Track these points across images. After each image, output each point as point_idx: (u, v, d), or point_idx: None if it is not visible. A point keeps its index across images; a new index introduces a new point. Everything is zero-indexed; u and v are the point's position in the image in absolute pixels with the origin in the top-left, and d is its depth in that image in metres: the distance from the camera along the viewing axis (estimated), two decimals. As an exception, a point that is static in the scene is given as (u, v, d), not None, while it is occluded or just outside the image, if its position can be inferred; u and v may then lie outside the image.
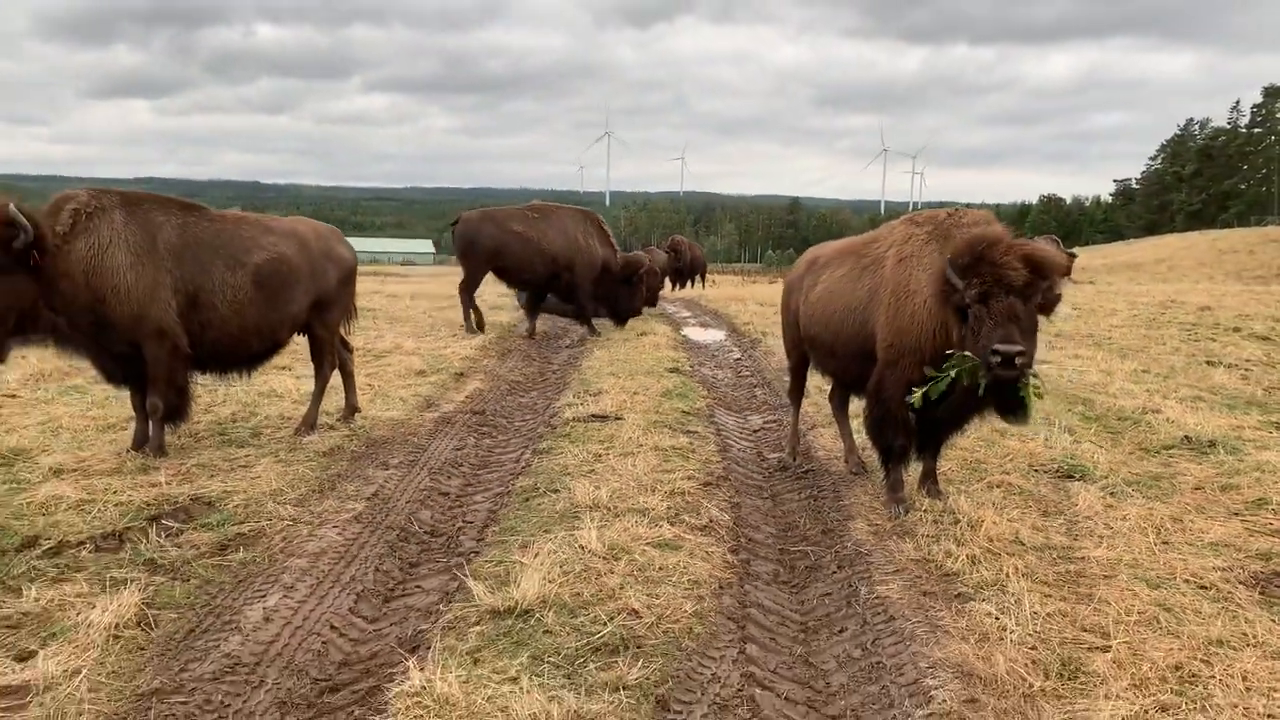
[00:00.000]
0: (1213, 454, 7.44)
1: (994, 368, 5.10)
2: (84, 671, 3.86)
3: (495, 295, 18.48)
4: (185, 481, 6.14)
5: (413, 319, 15.81)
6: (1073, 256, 36.73)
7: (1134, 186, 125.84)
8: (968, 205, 7.21)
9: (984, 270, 5.22)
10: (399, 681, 3.87)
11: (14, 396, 8.45)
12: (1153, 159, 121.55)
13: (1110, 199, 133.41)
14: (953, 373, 5.41)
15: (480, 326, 14.03)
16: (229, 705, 3.78)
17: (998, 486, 6.45)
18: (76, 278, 6.13)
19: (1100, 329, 15.47)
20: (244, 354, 7.13)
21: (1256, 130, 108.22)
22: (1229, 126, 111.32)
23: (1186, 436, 7.94)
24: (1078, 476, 6.77)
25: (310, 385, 8.22)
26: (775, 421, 8.74)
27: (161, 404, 6.56)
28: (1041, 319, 5.66)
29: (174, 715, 3.69)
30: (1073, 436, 7.96)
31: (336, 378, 8.12)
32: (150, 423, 6.66)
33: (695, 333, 15.31)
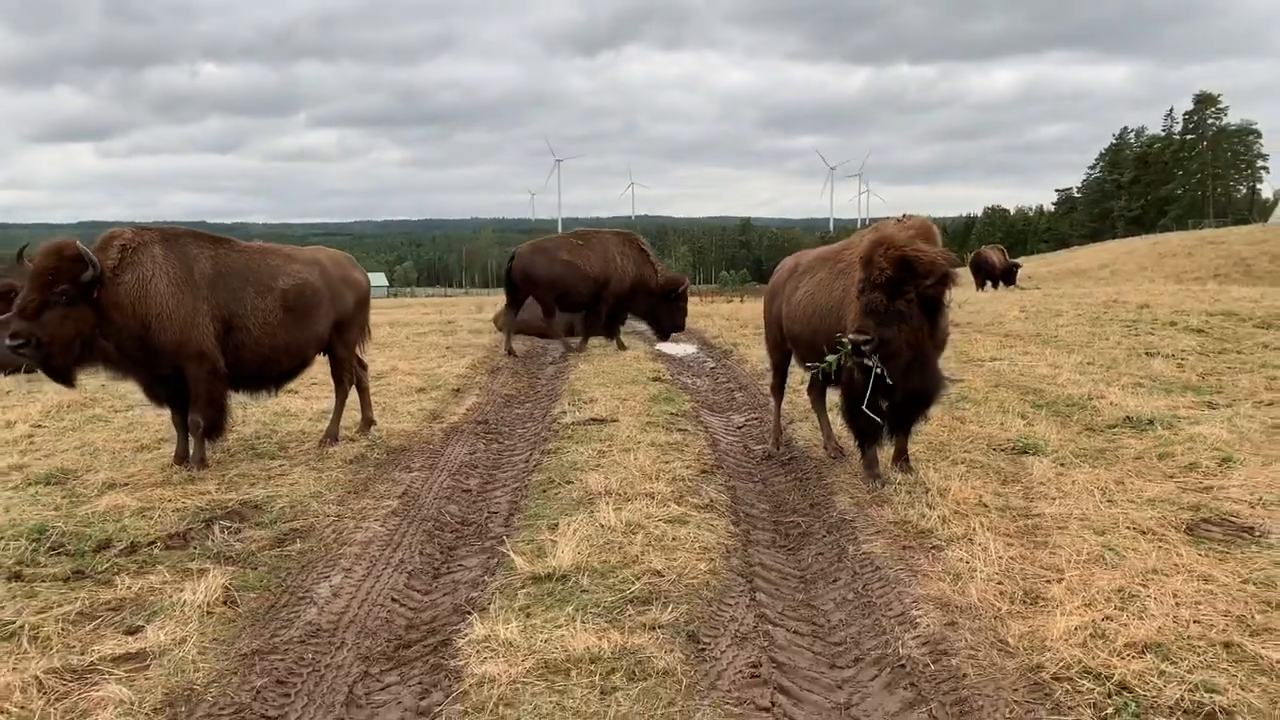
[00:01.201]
0: (1151, 430, 8.25)
1: (851, 353, 5.97)
2: (190, 640, 4.46)
3: (472, 321, 19.10)
4: (231, 489, 6.74)
5: (398, 344, 16.42)
6: (1017, 265, 38.19)
7: (1075, 195, 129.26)
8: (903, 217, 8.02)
9: (868, 269, 6.04)
10: (464, 634, 4.52)
11: (40, 426, 8.95)
12: (1092, 168, 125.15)
13: (1053, 208, 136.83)
14: (833, 357, 6.27)
15: (510, 349, 14.92)
16: (319, 661, 4.40)
17: (961, 463, 7.21)
18: (125, 307, 6.72)
19: (1047, 329, 16.43)
20: (275, 373, 7.75)
21: (1189, 137, 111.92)
22: (1164, 134, 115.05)
23: (1128, 416, 8.76)
24: (1032, 452, 7.54)
25: (320, 404, 8.81)
26: (756, 419, 9.48)
27: (203, 420, 7.15)
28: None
29: (275, 669, 4.30)
30: (1025, 420, 8.76)
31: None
32: (192, 438, 7.25)
33: (669, 347, 16.02)
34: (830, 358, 6.28)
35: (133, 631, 4.59)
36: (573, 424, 8.79)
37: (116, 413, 9.64)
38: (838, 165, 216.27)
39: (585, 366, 12.79)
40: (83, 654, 4.33)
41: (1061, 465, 7.10)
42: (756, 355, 14.13)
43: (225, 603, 4.89)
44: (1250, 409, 9.04)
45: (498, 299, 38.17)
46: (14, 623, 4.61)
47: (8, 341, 6.44)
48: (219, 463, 7.48)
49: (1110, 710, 3.67)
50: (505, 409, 10.23)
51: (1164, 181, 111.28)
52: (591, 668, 4.10)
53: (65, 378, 6.73)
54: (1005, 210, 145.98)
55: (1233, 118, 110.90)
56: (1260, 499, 6.11)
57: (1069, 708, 3.72)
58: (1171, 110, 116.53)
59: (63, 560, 5.48)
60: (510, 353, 14.77)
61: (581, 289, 14.84)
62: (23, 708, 3.84)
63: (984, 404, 9.49)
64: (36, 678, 4.06)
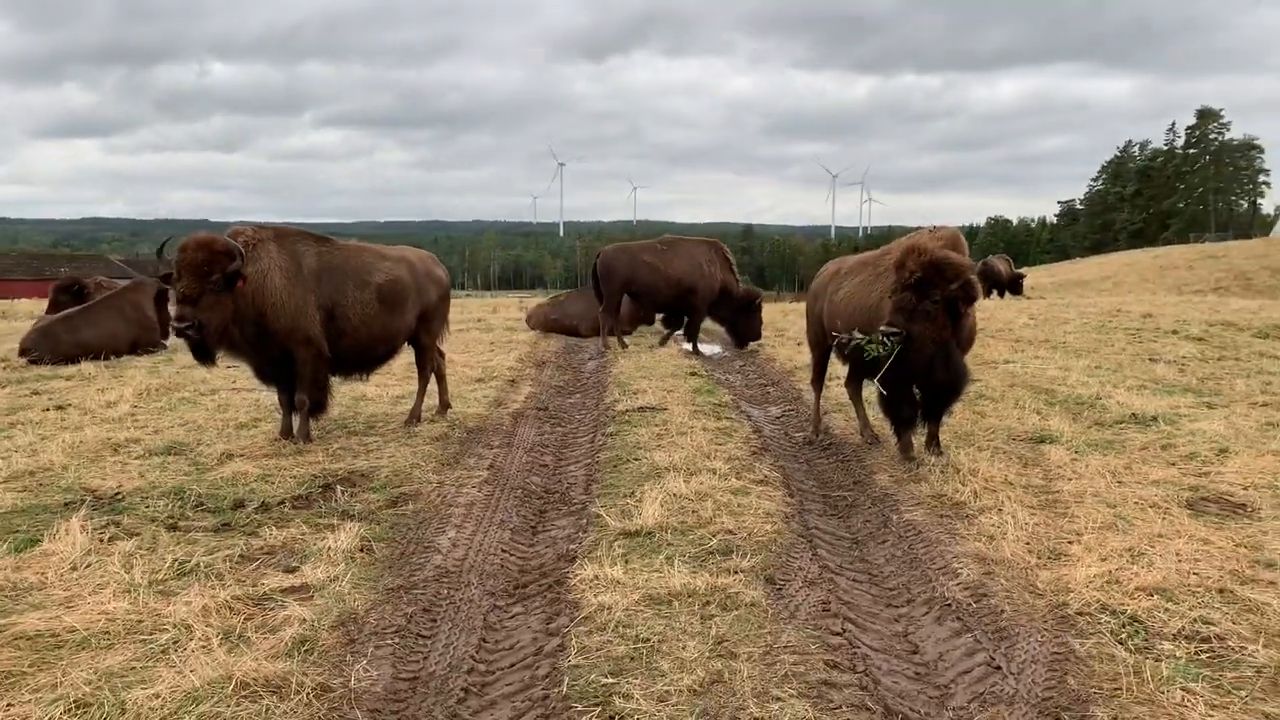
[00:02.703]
0: (1155, 426, 9.05)
1: (883, 341, 6.93)
2: (342, 578, 5.26)
3: (503, 320, 19.93)
4: (337, 460, 7.56)
5: (446, 339, 17.26)
6: (1021, 275, 39.01)
7: (1078, 207, 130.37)
8: (917, 228, 8.91)
9: (900, 272, 6.90)
10: (574, 575, 5.33)
11: (138, 406, 9.76)
12: (1095, 180, 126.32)
13: (1055, 220, 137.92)
14: (868, 345, 7.15)
15: (622, 343, 15.92)
16: (452, 595, 5.21)
17: (985, 449, 8.01)
18: (247, 297, 7.53)
19: (1055, 335, 17.26)
20: (370, 358, 8.59)
21: (1191, 151, 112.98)
22: (1166, 148, 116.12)
23: (1133, 414, 9.57)
24: (1048, 441, 8.34)
25: (391, 391, 9.67)
26: (791, 411, 10.31)
27: (309, 399, 7.99)
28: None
29: (417, 601, 5.11)
30: (1040, 415, 9.56)
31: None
32: (298, 415, 8.07)
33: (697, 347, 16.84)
34: (871, 345, 7.11)
35: (291, 570, 5.40)
36: (626, 411, 9.61)
37: (202, 395, 10.46)
38: (840, 173, 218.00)
39: (625, 362, 13.62)
40: (254, 586, 5.14)
41: (1075, 453, 7.91)
42: (783, 354, 14.98)
43: (362, 550, 5.71)
44: (1246, 409, 9.83)
45: (506, 300, 39.17)
46: (190, 561, 5.43)
47: (173, 324, 7.25)
48: (320, 438, 8.30)
49: (1124, 635, 4.48)
50: (559, 398, 11.06)
51: (1166, 195, 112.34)
52: (690, 600, 4.91)
53: (210, 357, 7.60)
54: (1008, 221, 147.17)
55: (1235, 132, 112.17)
56: (1252, 483, 6.92)
57: (1090, 633, 4.53)
58: (1174, 124, 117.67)
59: (207, 516, 6.29)
60: (606, 347, 15.65)
61: (663, 290, 15.73)
62: (225, 622, 4.65)
63: (1001, 401, 10.30)
64: (226, 602, 4.87)
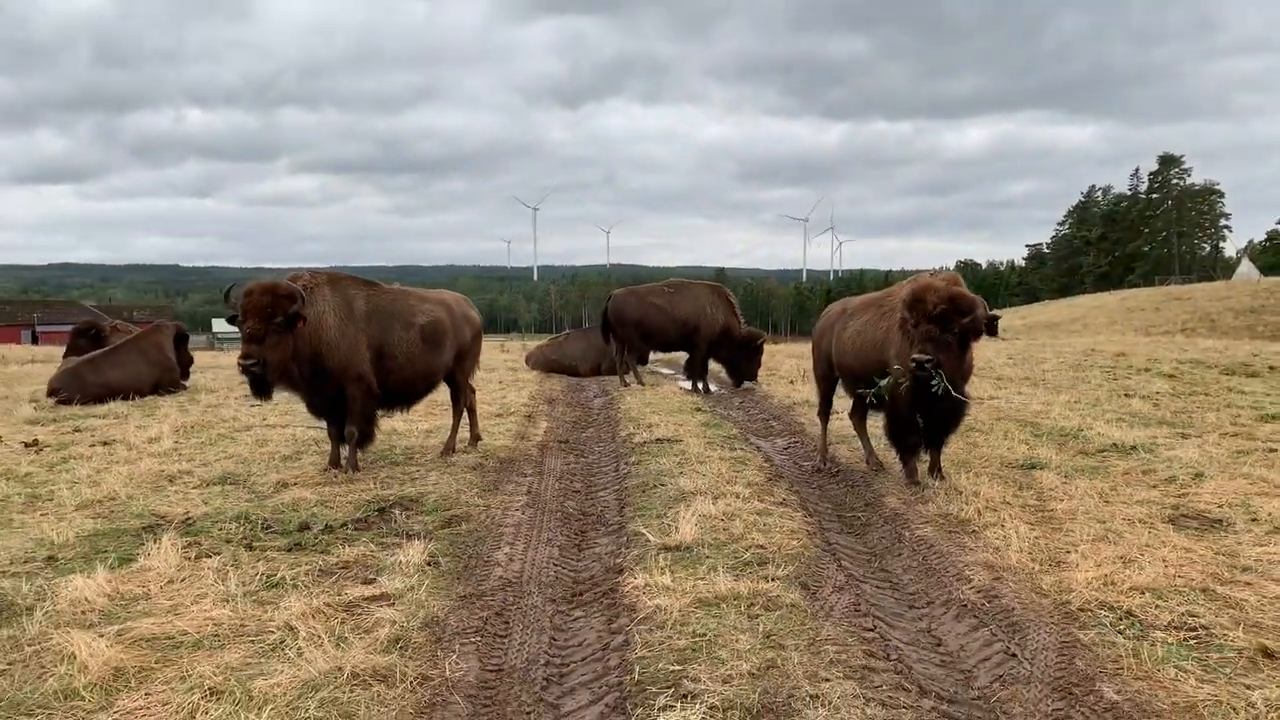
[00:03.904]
0: (1135, 454, 9.76)
1: (914, 370, 7.47)
2: (416, 588, 5.81)
3: (504, 360, 20.50)
4: (386, 487, 8.11)
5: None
6: (997, 317, 40.14)
7: (1045, 251, 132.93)
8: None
9: (919, 307, 7.57)
10: (626, 583, 5.91)
11: (180, 443, 10.26)
12: (1061, 224, 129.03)
13: (1024, 263, 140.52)
14: (886, 380, 7.76)
15: (638, 379, 16.75)
16: (519, 601, 5.77)
17: (982, 475, 8.68)
18: (305, 337, 8.11)
19: (1035, 373, 18.07)
20: (412, 393, 9.19)
21: (1154, 196, 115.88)
22: (1130, 193, 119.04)
23: (1114, 443, 10.28)
24: (1038, 468, 9.02)
25: (420, 426, 10.23)
26: (797, 442, 10.95)
27: (358, 431, 8.57)
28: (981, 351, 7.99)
29: (488, 606, 5.67)
30: (1028, 446, 10.26)
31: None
32: (347, 446, 8.63)
33: (690, 386, 17.50)
34: (884, 382, 7.77)
35: (369, 582, 5.95)
36: (644, 443, 10.22)
37: (237, 432, 10.98)
38: (809, 218, 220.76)
39: (631, 399, 14.25)
40: (339, 595, 5.68)
41: (1064, 477, 8.59)
42: (780, 392, 15.66)
43: (429, 564, 6.26)
44: (1217, 439, 10.59)
45: (488, 343, 39.75)
46: (275, 575, 5.97)
47: (240, 360, 7.80)
48: (365, 468, 8.85)
49: (1122, 627, 5.12)
50: (576, 431, 11.67)
51: (1131, 239, 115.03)
52: (736, 602, 5.50)
53: (268, 392, 8.17)
54: (977, 264, 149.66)
55: (1196, 178, 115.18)
56: (1227, 502, 7.62)
57: (1092, 626, 5.17)
58: (1138, 170, 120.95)
59: (278, 537, 6.83)
60: (624, 384, 16.41)
61: (670, 330, 16.53)
62: (324, 624, 5.19)
63: (990, 433, 11.01)
64: (319, 608, 5.41)
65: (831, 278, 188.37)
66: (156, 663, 4.80)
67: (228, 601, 5.53)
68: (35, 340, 69.35)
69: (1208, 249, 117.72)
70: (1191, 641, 4.93)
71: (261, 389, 8.09)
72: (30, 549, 6.57)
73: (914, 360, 7.42)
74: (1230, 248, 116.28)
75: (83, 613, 5.38)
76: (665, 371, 20.21)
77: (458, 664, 4.87)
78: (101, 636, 4.95)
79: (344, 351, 8.33)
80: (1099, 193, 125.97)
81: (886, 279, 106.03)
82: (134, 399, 14.00)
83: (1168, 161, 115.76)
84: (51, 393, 13.90)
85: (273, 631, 5.12)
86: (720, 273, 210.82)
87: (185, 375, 16.04)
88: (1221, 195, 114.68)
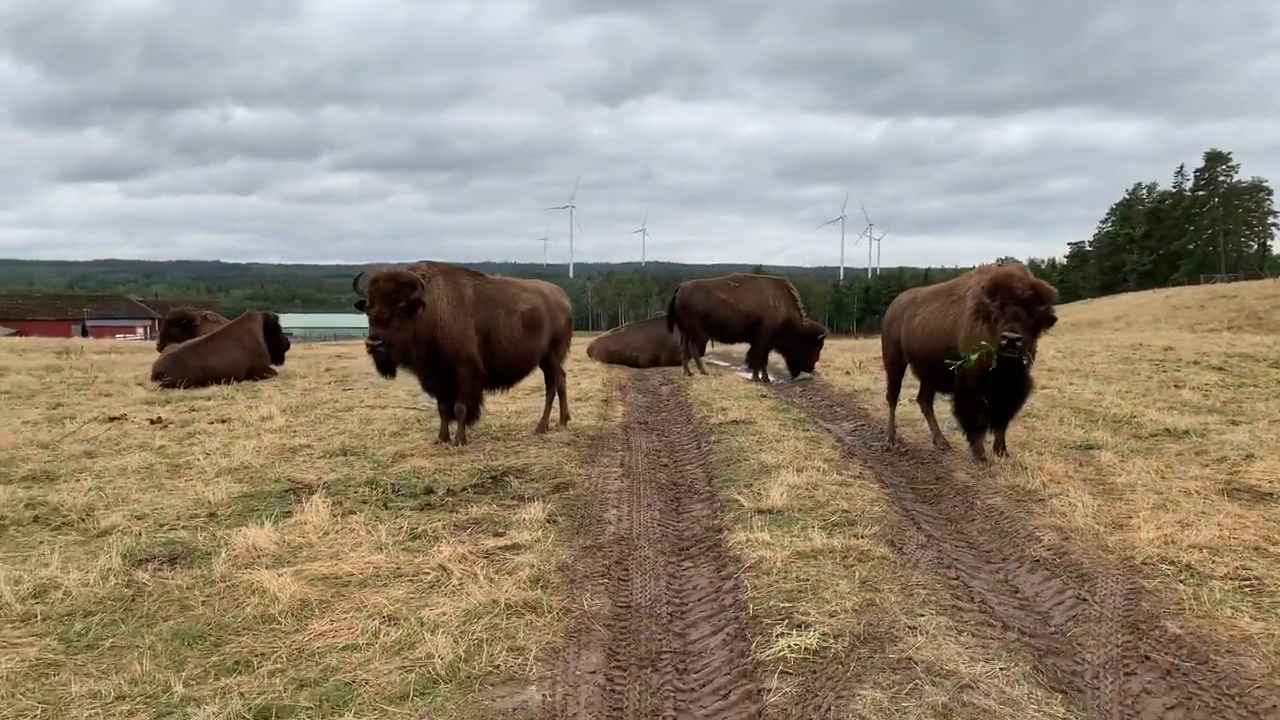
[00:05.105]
0: (1187, 438, 10.28)
1: (1003, 348, 8.02)
2: (543, 540, 6.54)
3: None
4: (493, 459, 8.87)
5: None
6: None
7: (1088, 249, 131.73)
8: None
9: (1004, 291, 8.15)
10: (728, 539, 6.60)
11: (290, 422, 11.10)
12: (1104, 222, 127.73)
13: (1065, 261, 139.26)
14: (974, 355, 8.34)
15: (701, 368, 17.53)
16: (634, 554, 6.48)
17: (1044, 454, 9.27)
18: (424, 321, 8.89)
19: (1085, 365, 18.52)
20: (513, 374, 9.99)
21: (1200, 193, 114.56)
22: (1175, 190, 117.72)
23: (1166, 428, 10.80)
24: (1095, 448, 9.60)
25: (510, 407, 10.98)
26: (863, 426, 11.59)
27: (466, 409, 9.36)
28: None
29: (608, 556, 6.38)
30: (1084, 429, 10.82)
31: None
32: (456, 422, 9.43)
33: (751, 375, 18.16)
34: (973, 355, 8.36)
35: (499, 534, 6.69)
36: (720, 424, 10.91)
37: (340, 412, 11.82)
38: (846, 215, 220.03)
39: (698, 386, 14.96)
40: (476, 545, 6.42)
41: (1121, 457, 9.16)
42: (839, 381, 16.29)
43: (549, 521, 7.00)
44: (1267, 425, 11.07)
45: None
46: (417, 529, 6.73)
47: (367, 341, 8.61)
48: (471, 442, 9.62)
49: (1183, 577, 5.74)
50: (652, 414, 12.39)
51: (1176, 236, 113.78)
52: (831, 555, 6.17)
53: (392, 371, 9.00)
54: (1018, 262, 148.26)
55: (1243, 175, 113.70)
56: (1277, 479, 8.17)
57: (1154, 576, 5.79)
58: (1182, 167, 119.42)
59: (408, 499, 7.59)
60: (688, 373, 17.14)
61: (735, 323, 17.25)
62: (471, 567, 5.92)
63: (1047, 419, 11.56)
64: (464, 555, 6.16)
65: (870, 275, 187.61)
66: (333, 596, 5.56)
67: (381, 549, 6.29)
68: (85, 334, 70.41)
69: (1255, 247, 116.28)
70: (1246, 589, 5.54)
71: (386, 367, 8.90)
72: (191, 507, 7.39)
73: (1004, 338, 8.00)
74: (1278, 245, 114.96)
75: (258, 557, 6.16)
76: (721, 364, 20.87)
77: (592, 600, 5.59)
78: (281, 575, 5.73)
79: (456, 335, 9.11)
80: (1144, 190, 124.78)
81: (926, 277, 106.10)
82: (232, 383, 14.95)
83: (1215, 158, 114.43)
84: (156, 376, 14.96)
85: (428, 573, 5.87)
86: (758, 269, 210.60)
87: (280, 360, 17.17)
88: (1270, 192, 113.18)
